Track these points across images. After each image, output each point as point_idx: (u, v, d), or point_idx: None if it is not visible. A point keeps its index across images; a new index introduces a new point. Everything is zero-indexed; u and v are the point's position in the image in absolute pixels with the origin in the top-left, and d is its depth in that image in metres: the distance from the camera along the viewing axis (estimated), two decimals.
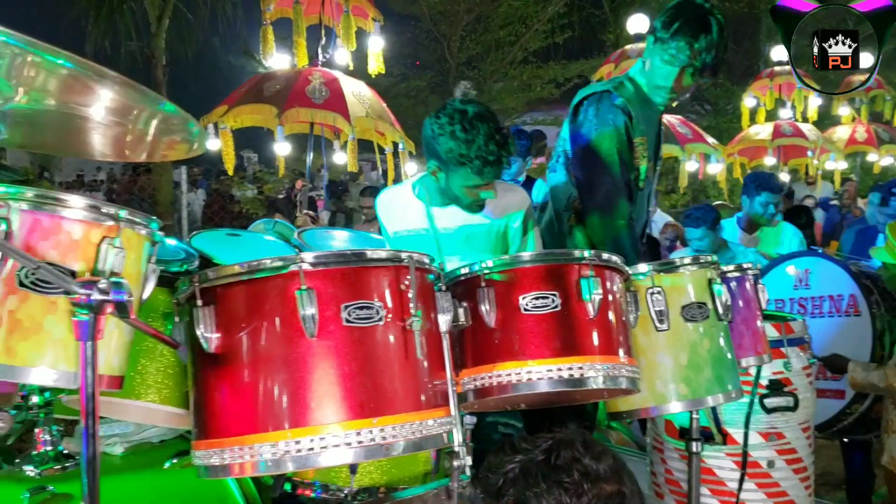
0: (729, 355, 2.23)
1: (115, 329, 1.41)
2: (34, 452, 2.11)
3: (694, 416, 2.40)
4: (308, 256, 1.53)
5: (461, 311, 1.83)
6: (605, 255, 1.92)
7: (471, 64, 20.37)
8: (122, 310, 1.29)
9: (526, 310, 1.81)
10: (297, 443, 1.47)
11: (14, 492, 1.96)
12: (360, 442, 1.48)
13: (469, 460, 1.70)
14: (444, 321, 1.74)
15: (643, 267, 2.16)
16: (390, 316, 1.58)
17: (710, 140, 11.34)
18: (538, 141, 5.92)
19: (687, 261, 2.21)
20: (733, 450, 3.04)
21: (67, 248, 1.34)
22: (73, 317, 1.28)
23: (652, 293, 2.12)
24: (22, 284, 1.30)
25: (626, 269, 2.02)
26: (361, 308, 1.54)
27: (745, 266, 2.49)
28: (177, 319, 1.63)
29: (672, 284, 2.17)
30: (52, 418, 2.15)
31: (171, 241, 3.03)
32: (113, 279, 1.28)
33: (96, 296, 1.26)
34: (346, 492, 2.04)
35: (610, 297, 1.90)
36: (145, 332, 1.47)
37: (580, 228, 2.97)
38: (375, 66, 7.64)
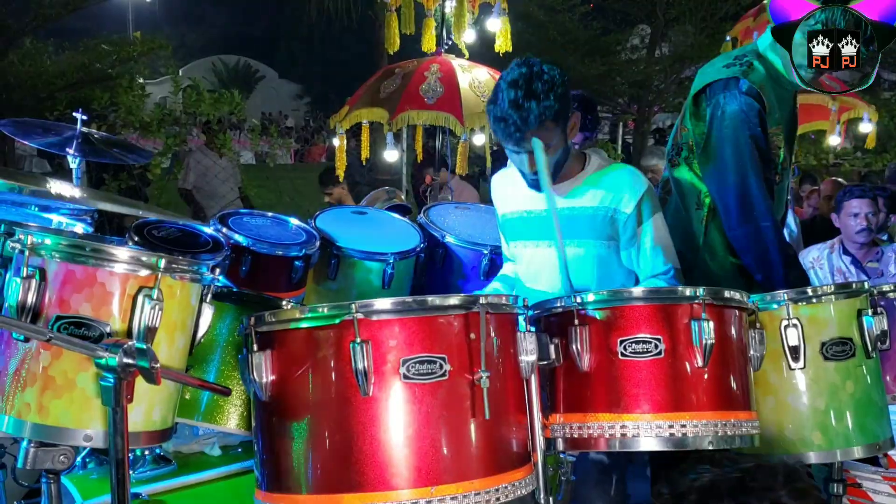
0: (879, 399, 1.91)
1: None
2: (130, 456, 2.12)
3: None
4: (365, 305, 1.37)
5: (552, 347, 1.64)
6: (726, 294, 1.65)
7: (680, 19, 19.36)
8: (148, 376, 1.19)
9: (624, 355, 1.59)
10: None
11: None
12: None
13: None
14: (526, 364, 1.56)
15: (779, 295, 1.86)
16: (456, 370, 1.40)
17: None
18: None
19: (832, 289, 1.89)
20: (892, 473, 2.70)
21: (101, 302, 1.25)
22: (99, 380, 1.20)
23: (786, 326, 1.83)
24: None
25: (749, 304, 1.74)
26: (422, 363, 1.38)
27: None
28: (245, 352, 1.54)
29: (812, 316, 1.87)
30: None
31: (295, 222, 2.98)
32: (137, 345, 1.18)
33: (122, 360, 1.17)
34: None
35: (726, 342, 1.65)
36: (189, 384, 1.38)
37: (716, 225, 2.62)
38: (502, 44, 7.26)
